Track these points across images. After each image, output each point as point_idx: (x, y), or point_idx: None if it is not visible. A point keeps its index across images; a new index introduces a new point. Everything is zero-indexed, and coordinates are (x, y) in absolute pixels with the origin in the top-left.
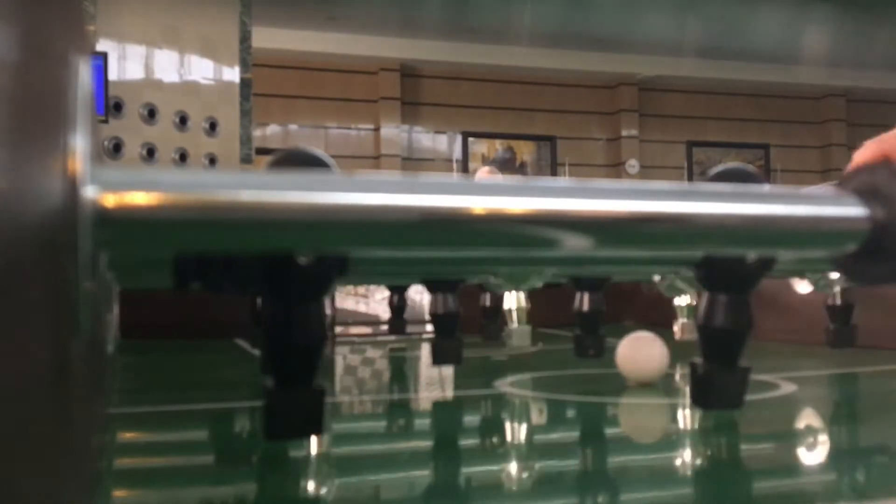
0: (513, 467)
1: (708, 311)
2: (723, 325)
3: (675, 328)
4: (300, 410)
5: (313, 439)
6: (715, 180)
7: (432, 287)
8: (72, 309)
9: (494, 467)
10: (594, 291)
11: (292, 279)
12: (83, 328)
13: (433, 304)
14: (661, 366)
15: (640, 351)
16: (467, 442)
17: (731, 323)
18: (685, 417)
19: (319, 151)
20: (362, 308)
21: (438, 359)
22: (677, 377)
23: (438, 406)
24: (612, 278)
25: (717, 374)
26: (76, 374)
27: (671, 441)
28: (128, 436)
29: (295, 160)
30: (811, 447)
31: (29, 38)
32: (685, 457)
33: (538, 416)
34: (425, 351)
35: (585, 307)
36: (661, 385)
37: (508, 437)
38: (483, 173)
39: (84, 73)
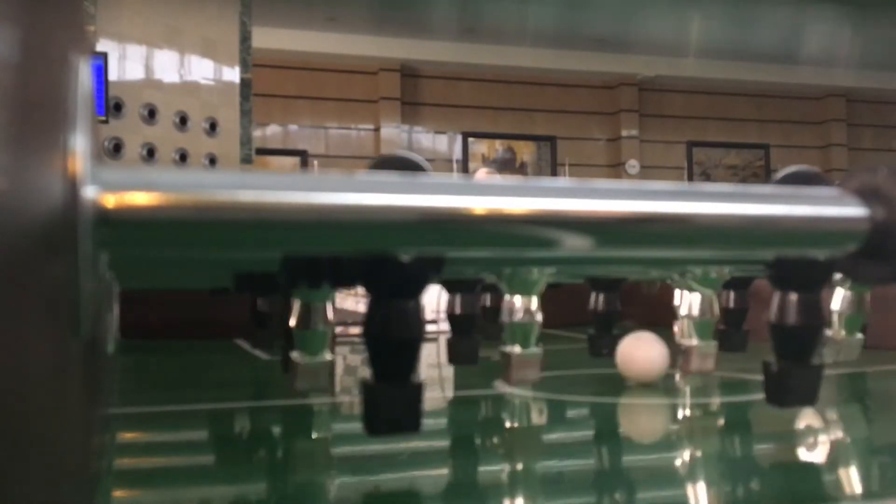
0: (512, 468)
1: None
2: None
3: (675, 328)
4: None
5: (313, 440)
6: (782, 183)
7: (449, 287)
8: (72, 309)
9: (494, 468)
10: (610, 292)
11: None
12: (83, 328)
13: (450, 303)
14: (661, 366)
15: (639, 351)
16: (466, 443)
17: None
18: (686, 417)
19: (414, 155)
20: (362, 308)
21: (455, 359)
22: (677, 377)
23: (438, 407)
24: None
25: None
26: (76, 375)
27: (672, 441)
28: (128, 436)
29: (392, 164)
30: (814, 446)
31: (29, 39)
32: (685, 457)
33: (538, 417)
34: (426, 352)
35: (601, 307)
36: (661, 385)
37: (508, 438)
38: (481, 174)
39: (84, 74)
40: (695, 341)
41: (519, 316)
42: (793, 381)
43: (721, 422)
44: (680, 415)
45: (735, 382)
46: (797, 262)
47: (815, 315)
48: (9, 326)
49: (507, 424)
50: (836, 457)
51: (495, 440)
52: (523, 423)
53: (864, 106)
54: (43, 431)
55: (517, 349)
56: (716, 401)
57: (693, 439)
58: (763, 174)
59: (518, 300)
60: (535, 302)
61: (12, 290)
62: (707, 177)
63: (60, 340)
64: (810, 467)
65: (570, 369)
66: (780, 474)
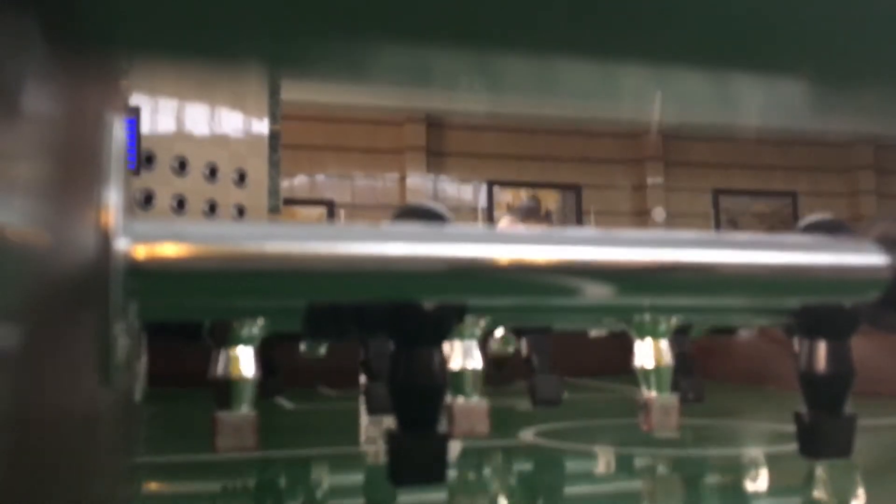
0: None
1: None
2: None
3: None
4: None
5: (336, 490)
6: (804, 232)
7: (524, 331)
8: (102, 357)
9: None
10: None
11: None
12: (112, 376)
13: (529, 346)
14: None
15: None
16: (489, 493)
17: None
18: (712, 469)
19: (435, 205)
20: None
21: (539, 401)
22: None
23: (462, 455)
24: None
25: None
26: (105, 421)
27: (700, 495)
28: (153, 486)
29: (414, 214)
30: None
31: (68, 99)
32: None
33: (563, 468)
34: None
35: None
36: (688, 438)
37: (533, 488)
38: (505, 222)
39: (118, 130)
40: (654, 394)
41: (651, 363)
42: (826, 432)
43: (747, 478)
44: (705, 466)
45: (762, 431)
46: (818, 310)
47: (845, 364)
48: (41, 373)
49: (533, 474)
50: None
51: (521, 489)
52: (548, 472)
53: (893, 152)
54: (72, 477)
55: (654, 394)
56: (755, 451)
57: (725, 496)
58: (791, 222)
59: (649, 343)
60: (664, 345)
61: (46, 338)
62: (734, 224)
63: (90, 387)
64: None
65: (598, 419)
66: None
